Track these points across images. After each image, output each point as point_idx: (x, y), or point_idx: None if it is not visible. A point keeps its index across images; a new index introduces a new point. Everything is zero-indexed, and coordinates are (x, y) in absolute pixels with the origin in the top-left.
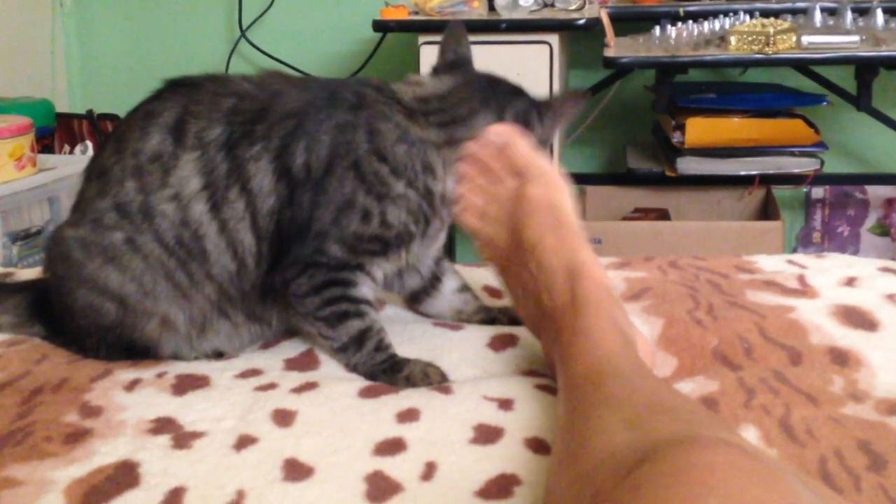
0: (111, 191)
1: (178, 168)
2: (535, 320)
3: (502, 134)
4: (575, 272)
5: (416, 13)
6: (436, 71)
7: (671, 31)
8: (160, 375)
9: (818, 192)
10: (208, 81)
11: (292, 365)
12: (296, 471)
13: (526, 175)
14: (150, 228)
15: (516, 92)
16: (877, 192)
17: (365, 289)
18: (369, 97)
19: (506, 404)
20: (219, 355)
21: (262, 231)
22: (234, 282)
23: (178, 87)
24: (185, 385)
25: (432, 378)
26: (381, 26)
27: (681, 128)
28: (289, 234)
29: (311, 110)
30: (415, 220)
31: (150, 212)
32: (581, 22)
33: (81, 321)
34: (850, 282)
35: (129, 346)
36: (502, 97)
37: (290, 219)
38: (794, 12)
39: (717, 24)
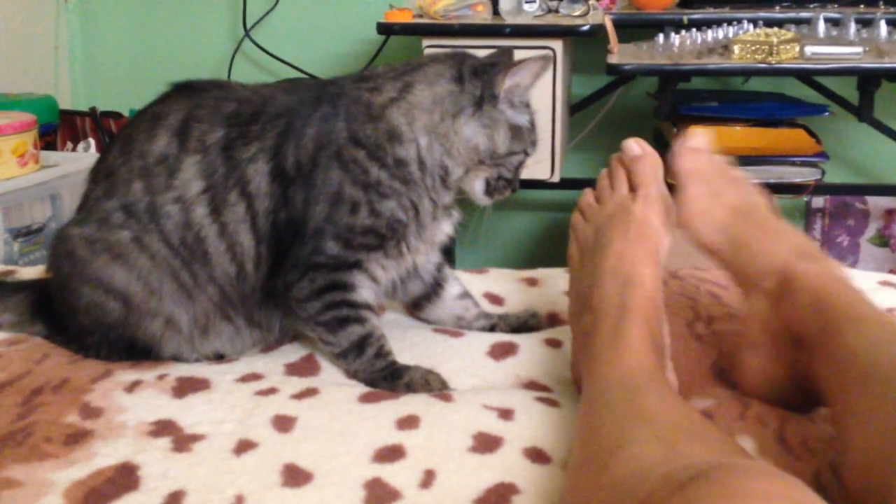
0: (118, 191)
1: (182, 171)
2: (575, 318)
3: (642, 146)
4: (630, 280)
5: (421, 16)
6: None
7: (675, 38)
8: (161, 377)
9: (818, 201)
10: (212, 87)
11: (293, 370)
12: (295, 476)
13: (639, 192)
14: (156, 229)
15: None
16: (877, 202)
17: (365, 292)
18: (348, 86)
19: (505, 414)
20: (219, 357)
21: (261, 233)
22: (234, 285)
23: (183, 91)
24: (186, 387)
25: (433, 385)
26: (385, 29)
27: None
28: (287, 236)
29: (300, 108)
30: (401, 207)
31: (156, 212)
32: (585, 28)
33: (84, 319)
34: None
35: (130, 346)
36: (461, 55)
37: (286, 219)
38: (797, 22)
39: (720, 33)
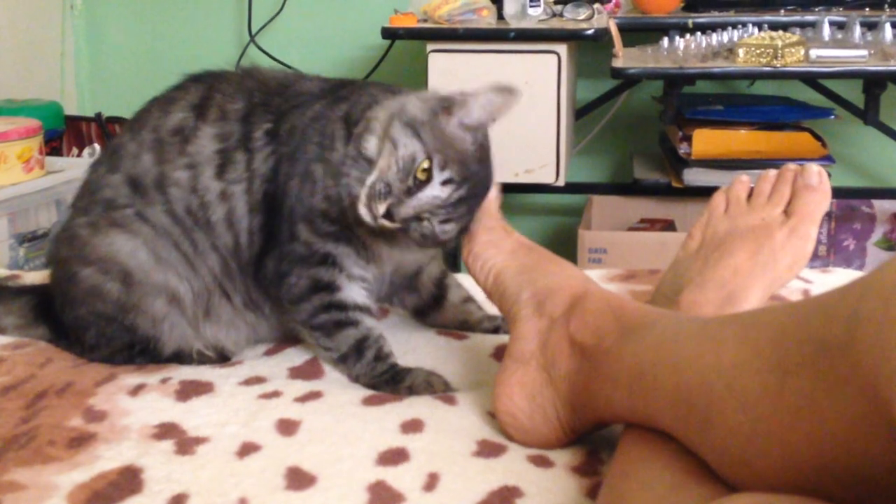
0: (124, 164)
1: (198, 138)
2: (662, 294)
3: (822, 179)
4: (734, 299)
5: (425, 21)
6: None
7: (679, 42)
8: (164, 381)
9: None
10: (234, 72)
11: (296, 373)
12: (298, 479)
13: (791, 221)
14: (161, 200)
15: None
16: (883, 206)
17: (352, 292)
18: (377, 93)
19: None
20: (223, 358)
21: (254, 199)
22: (232, 255)
23: (201, 77)
24: (189, 391)
25: (436, 387)
26: (389, 33)
27: (688, 139)
28: (271, 212)
29: (321, 93)
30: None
31: (164, 182)
32: (590, 32)
33: (81, 310)
34: None
35: (130, 344)
36: None
37: (272, 193)
38: (802, 26)
39: (725, 37)
